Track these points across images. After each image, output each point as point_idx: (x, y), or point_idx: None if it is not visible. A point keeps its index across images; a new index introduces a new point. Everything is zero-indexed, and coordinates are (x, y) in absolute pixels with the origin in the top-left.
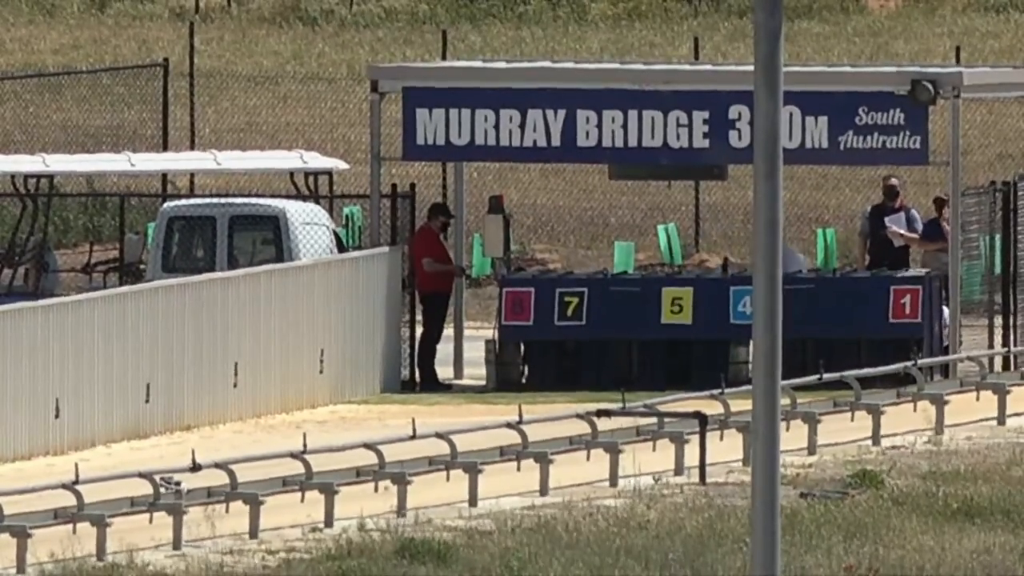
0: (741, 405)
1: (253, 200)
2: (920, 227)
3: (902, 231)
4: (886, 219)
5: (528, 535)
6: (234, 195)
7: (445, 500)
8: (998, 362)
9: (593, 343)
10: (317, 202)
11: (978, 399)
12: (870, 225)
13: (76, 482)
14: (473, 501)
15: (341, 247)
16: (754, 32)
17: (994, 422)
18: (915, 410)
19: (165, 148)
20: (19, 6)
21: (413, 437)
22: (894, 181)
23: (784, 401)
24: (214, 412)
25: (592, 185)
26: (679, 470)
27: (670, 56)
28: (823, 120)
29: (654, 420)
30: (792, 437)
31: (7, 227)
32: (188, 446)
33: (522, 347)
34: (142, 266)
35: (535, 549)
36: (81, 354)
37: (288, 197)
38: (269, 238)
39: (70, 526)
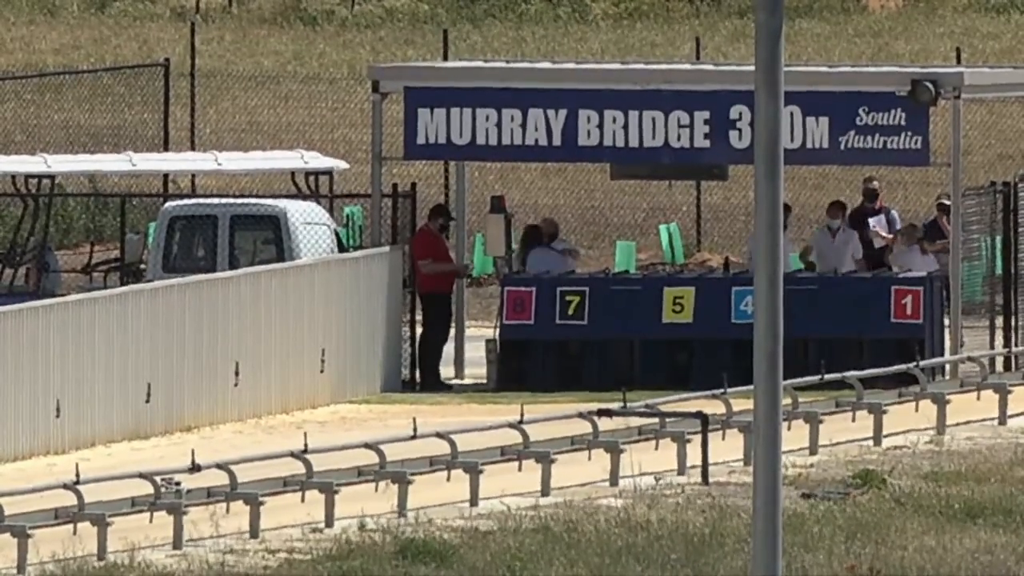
0: (743, 405)
1: (254, 200)
2: (900, 227)
3: (883, 232)
4: (870, 220)
5: (529, 535)
6: (235, 195)
7: (446, 500)
8: (999, 362)
9: (594, 342)
10: (318, 202)
11: (979, 399)
12: (850, 227)
13: (77, 482)
14: (474, 501)
15: (341, 247)
16: (755, 32)
17: (995, 422)
18: (917, 410)
19: (166, 148)
20: (20, 5)
21: (414, 437)
22: (875, 184)
23: (786, 401)
24: (215, 412)
25: (593, 185)
26: (681, 470)
27: (671, 56)
28: (824, 120)
29: (656, 420)
30: (794, 437)
31: (8, 227)
32: (188, 446)
33: (523, 347)
34: (143, 266)
35: (536, 549)
36: (81, 354)
37: (289, 197)
38: (270, 238)
39: (71, 526)
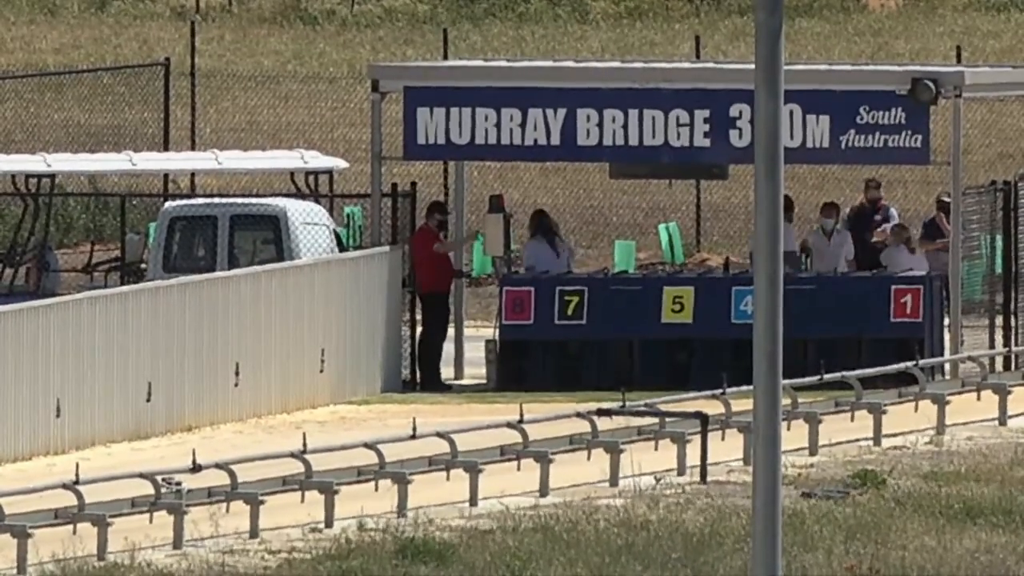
0: (742, 405)
1: (254, 200)
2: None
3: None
4: (886, 226)
5: (528, 535)
6: (235, 195)
7: (445, 500)
8: (999, 362)
9: (594, 342)
10: (317, 201)
11: (979, 399)
12: (851, 229)
13: (77, 482)
14: (473, 501)
15: (341, 247)
16: (755, 31)
17: (995, 422)
18: (916, 410)
19: (166, 148)
20: (20, 5)
21: (413, 437)
22: (881, 194)
23: (785, 401)
24: (215, 412)
25: (593, 184)
26: (680, 470)
27: (671, 55)
28: (824, 119)
29: (655, 420)
30: (793, 437)
31: (9, 227)
32: (189, 446)
33: (523, 347)
34: (143, 266)
35: (535, 549)
36: (82, 354)
37: (289, 197)
38: (270, 238)
39: (71, 526)
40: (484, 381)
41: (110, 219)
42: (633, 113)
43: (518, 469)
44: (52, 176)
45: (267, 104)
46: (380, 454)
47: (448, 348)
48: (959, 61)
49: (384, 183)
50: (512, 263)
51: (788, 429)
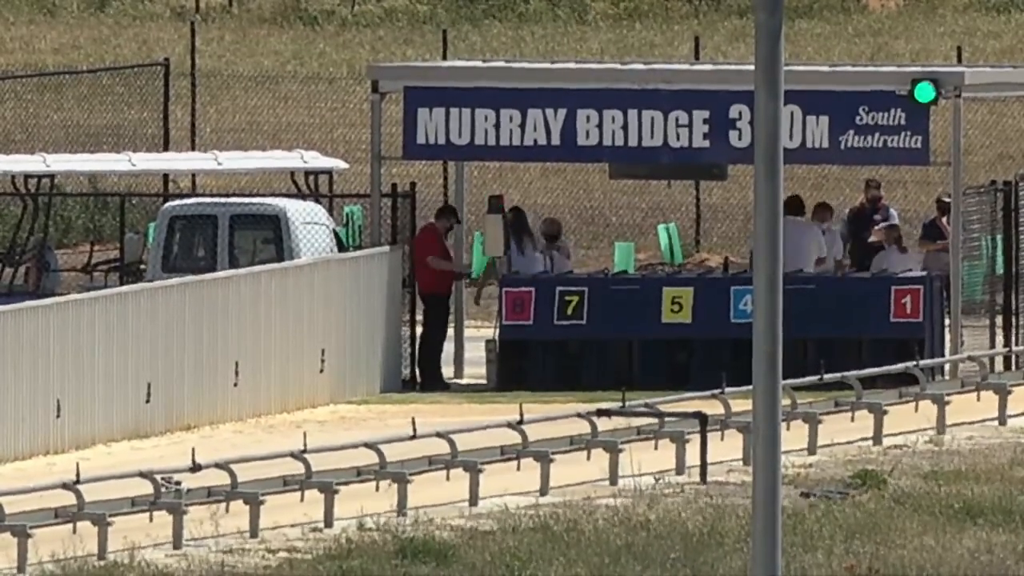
0: (742, 405)
1: (254, 200)
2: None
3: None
4: (883, 224)
5: (528, 535)
6: (235, 195)
7: (445, 499)
8: (999, 362)
9: (593, 342)
10: (317, 201)
11: (979, 399)
12: (850, 229)
13: (77, 481)
14: (473, 501)
15: (341, 247)
16: (755, 32)
17: (995, 422)
18: (916, 410)
19: (166, 148)
20: (19, 5)
21: (413, 437)
22: (881, 194)
23: (785, 401)
24: (214, 412)
25: (592, 185)
26: (680, 469)
27: (670, 56)
28: (824, 120)
29: (655, 420)
30: (793, 437)
31: (8, 227)
32: (188, 445)
33: (523, 347)
34: (142, 266)
35: (535, 549)
36: (81, 354)
37: (288, 196)
38: (270, 238)
39: (71, 525)
40: (484, 381)
41: (109, 219)
42: (632, 114)
43: (518, 469)
44: (51, 176)
45: (267, 104)
46: (380, 454)
47: (448, 348)
48: (959, 61)
49: (384, 183)
50: (511, 263)
51: (788, 429)
